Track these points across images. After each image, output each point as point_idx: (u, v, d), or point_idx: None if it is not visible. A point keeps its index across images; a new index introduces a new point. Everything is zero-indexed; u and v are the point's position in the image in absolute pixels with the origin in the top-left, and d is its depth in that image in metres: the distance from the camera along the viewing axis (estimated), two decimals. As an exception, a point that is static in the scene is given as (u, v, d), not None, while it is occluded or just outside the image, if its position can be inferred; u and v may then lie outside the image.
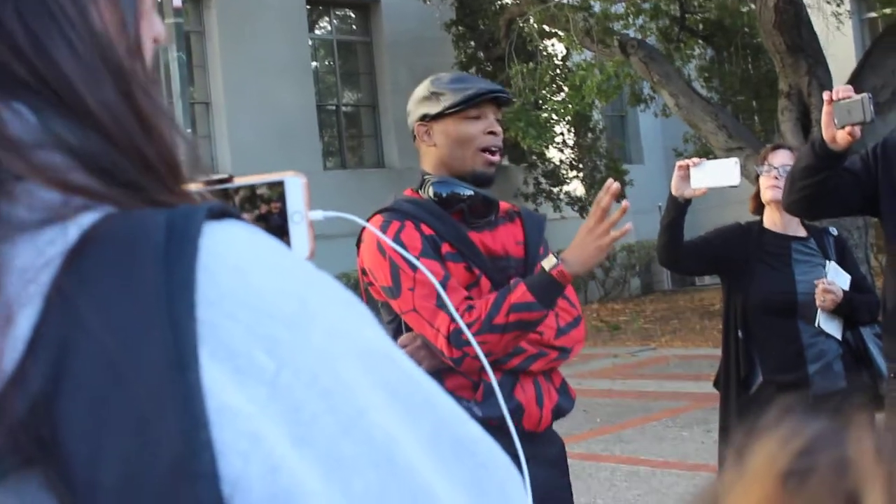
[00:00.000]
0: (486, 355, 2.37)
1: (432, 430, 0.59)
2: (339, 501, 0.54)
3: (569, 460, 2.75)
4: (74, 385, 0.51)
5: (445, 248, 2.55)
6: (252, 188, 0.87)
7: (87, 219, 0.56)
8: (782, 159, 3.88)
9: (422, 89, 2.72)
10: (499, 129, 2.67)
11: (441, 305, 2.44)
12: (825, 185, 3.20)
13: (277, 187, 0.86)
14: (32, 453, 0.51)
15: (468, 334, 2.28)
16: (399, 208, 2.61)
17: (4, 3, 0.59)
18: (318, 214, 0.98)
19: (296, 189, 0.86)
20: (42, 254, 0.55)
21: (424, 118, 2.67)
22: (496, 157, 2.66)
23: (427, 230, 2.55)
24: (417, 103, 2.71)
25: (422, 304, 2.46)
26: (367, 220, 2.59)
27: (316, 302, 0.58)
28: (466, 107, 2.62)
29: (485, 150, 2.63)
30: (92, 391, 0.51)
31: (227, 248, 0.57)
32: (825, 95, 3.13)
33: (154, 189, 0.61)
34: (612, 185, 2.45)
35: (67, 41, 0.61)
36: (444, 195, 2.60)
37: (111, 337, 0.52)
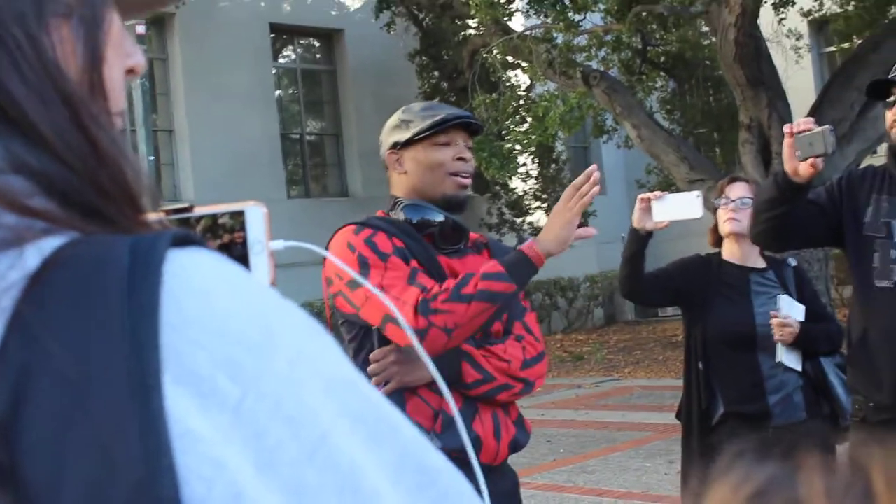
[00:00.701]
0: (452, 328, 2.35)
1: (397, 458, 0.59)
2: None
3: (532, 491, 2.75)
4: (35, 410, 0.51)
5: (413, 264, 2.54)
6: (214, 217, 0.86)
7: (50, 243, 0.56)
8: (739, 192, 3.91)
9: (393, 119, 2.73)
10: (469, 155, 2.67)
11: (412, 283, 2.42)
12: (789, 217, 3.22)
13: (239, 217, 0.85)
14: None
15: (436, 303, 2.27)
16: (370, 222, 2.61)
17: None
18: (279, 244, 0.97)
19: (256, 219, 0.85)
20: (2, 278, 0.54)
21: (395, 146, 2.68)
22: (467, 181, 2.66)
23: (398, 243, 2.54)
24: (388, 132, 2.72)
25: (391, 282, 2.43)
26: (338, 230, 2.61)
27: (280, 328, 0.58)
28: (435, 132, 2.62)
29: (454, 174, 2.64)
30: (53, 416, 0.51)
31: (191, 274, 0.57)
32: (786, 128, 3.13)
33: (114, 216, 0.61)
34: (594, 170, 2.47)
35: (17, 68, 0.60)
36: (415, 221, 2.60)
37: (73, 361, 0.52)
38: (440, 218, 2.61)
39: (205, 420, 0.53)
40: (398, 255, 2.51)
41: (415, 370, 2.46)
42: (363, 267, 2.46)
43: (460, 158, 2.64)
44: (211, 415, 0.53)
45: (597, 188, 2.46)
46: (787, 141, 3.10)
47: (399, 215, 2.62)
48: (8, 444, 0.50)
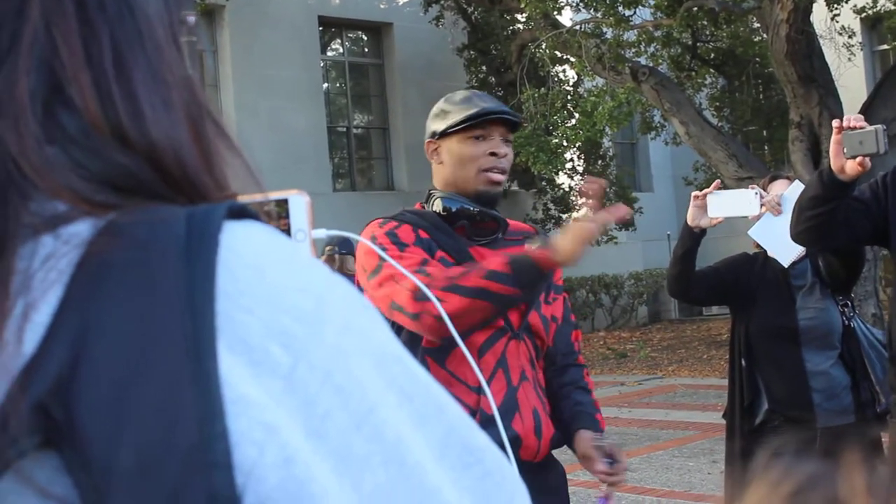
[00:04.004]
0: (445, 316, 2.31)
1: (442, 435, 0.59)
2: (349, 497, 0.54)
3: (573, 488, 2.73)
4: (93, 370, 0.52)
5: (443, 255, 2.53)
6: (258, 205, 0.87)
7: (111, 215, 0.58)
8: (781, 189, 3.87)
9: (435, 107, 2.73)
10: (504, 150, 2.63)
11: (419, 271, 2.39)
12: (833, 216, 3.15)
13: (283, 205, 0.86)
14: (50, 436, 0.51)
15: (427, 293, 2.15)
16: (399, 216, 2.61)
17: (102, 41, 0.61)
18: (321, 233, 0.99)
19: (299, 207, 0.86)
20: (65, 243, 0.56)
21: (433, 135, 2.67)
22: (498, 177, 2.64)
23: (424, 234, 2.54)
24: (430, 120, 2.72)
25: (401, 272, 2.37)
26: (367, 224, 2.61)
27: (331, 300, 0.59)
28: (470, 126, 2.61)
29: (486, 170, 2.61)
30: (110, 376, 0.52)
31: (245, 245, 0.58)
32: (835, 123, 3.07)
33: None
34: (624, 210, 2.45)
35: (155, 87, 0.63)
36: (454, 209, 2.59)
37: (130, 324, 0.53)
38: (476, 209, 2.60)
39: (257, 386, 0.54)
40: (419, 245, 2.50)
41: None
42: (380, 258, 2.44)
43: (493, 154, 2.61)
44: (263, 381, 0.54)
45: (622, 213, 2.43)
46: (835, 137, 3.04)
47: (435, 205, 2.62)
48: (66, 403, 0.51)
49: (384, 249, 2.45)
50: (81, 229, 0.56)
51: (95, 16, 0.61)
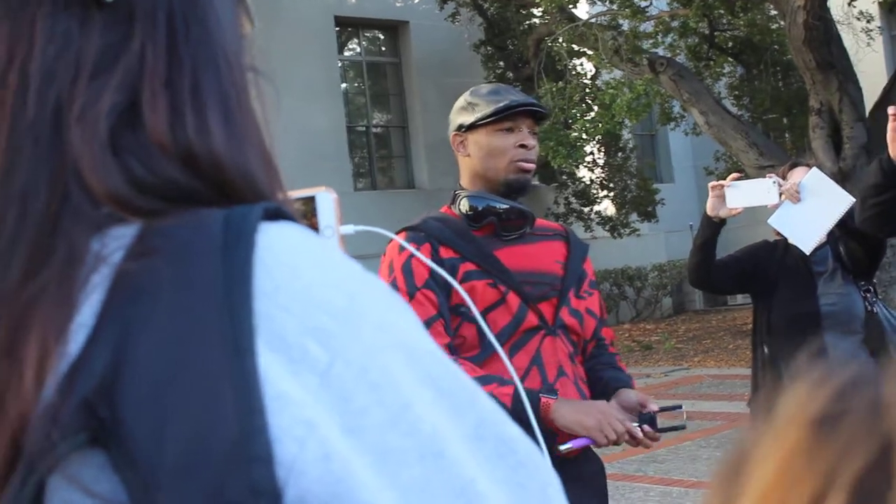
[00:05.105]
0: None
1: (476, 427, 0.61)
2: (387, 492, 0.55)
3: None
4: (136, 369, 0.54)
5: (468, 266, 2.52)
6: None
7: (153, 220, 0.60)
8: (801, 177, 3.86)
9: (461, 100, 2.73)
10: (532, 142, 2.65)
11: None
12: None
13: (310, 202, 0.87)
14: (96, 434, 0.53)
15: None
16: (423, 227, 2.60)
17: (183, 67, 0.65)
18: (349, 229, 1.00)
19: (327, 204, 0.87)
20: (108, 246, 0.58)
21: (460, 128, 2.68)
22: (530, 165, 2.65)
23: (447, 253, 2.53)
24: (455, 113, 2.72)
25: None
26: (397, 233, 2.57)
27: (365, 298, 0.60)
28: (499, 118, 2.61)
29: (515, 161, 2.62)
30: (153, 375, 0.53)
31: (281, 244, 0.60)
32: (890, 110, 3.04)
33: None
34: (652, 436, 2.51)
35: (228, 120, 0.67)
36: (480, 208, 2.59)
37: (171, 324, 0.55)
38: (504, 206, 2.61)
39: (296, 383, 0.55)
40: (430, 285, 2.48)
41: None
42: None
43: (522, 146, 2.62)
44: (301, 378, 0.56)
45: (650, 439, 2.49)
46: (891, 125, 3.02)
47: (462, 205, 2.62)
48: (112, 402, 0.53)
49: (394, 287, 2.46)
50: (124, 233, 0.59)
51: (181, 44, 0.65)
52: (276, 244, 0.59)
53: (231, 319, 0.55)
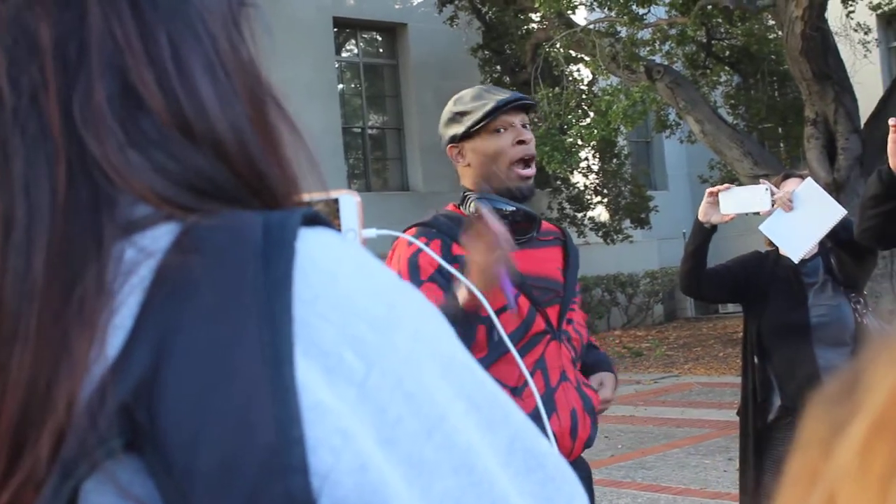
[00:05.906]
0: None
1: (508, 441, 0.61)
2: (419, 503, 0.55)
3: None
4: (174, 374, 0.53)
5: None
6: (308, 205, 0.89)
7: (191, 219, 0.59)
8: (793, 187, 3.87)
9: (446, 112, 2.71)
10: (528, 135, 2.63)
11: None
12: (895, 213, 3.15)
13: (333, 204, 0.87)
14: (133, 438, 0.52)
15: None
16: (434, 223, 2.58)
17: (159, 38, 0.63)
18: (372, 232, 1.00)
19: (350, 207, 0.87)
20: (145, 248, 0.57)
21: (454, 139, 2.66)
22: (530, 171, 2.63)
23: (458, 250, 2.51)
24: (444, 127, 2.70)
25: None
26: (406, 230, 2.58)
27: (402, 307, 0.60)
28: (490, 121, 2.60)
29: (517, 161, 2.62)
30: (191, 381, 0.53)
31: (319, 252, 0.59)
32: (891, 122, 3.05)
33: (257, 206, 0.64)
34: None
35: (213, 73, 0.64)
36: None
37: (210, 328, 0.54)
38: (511, 208, 2.58)
39: (332, 393, 0.55)
40: (434, 278, 2.46)
41: None
42: None
43: (520, 142, 2.61)
44: (338, 388, 0.55)
45: None
46: (892, 136, 3.03)
47: (471, 207, 2.57)
48: (149, 406, 0.52)
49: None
50: (161, 234, 0.58)
51: (149, 13, 0.63)
52: (315, 251, 0.59)
53: (271, 327, 0.55)
